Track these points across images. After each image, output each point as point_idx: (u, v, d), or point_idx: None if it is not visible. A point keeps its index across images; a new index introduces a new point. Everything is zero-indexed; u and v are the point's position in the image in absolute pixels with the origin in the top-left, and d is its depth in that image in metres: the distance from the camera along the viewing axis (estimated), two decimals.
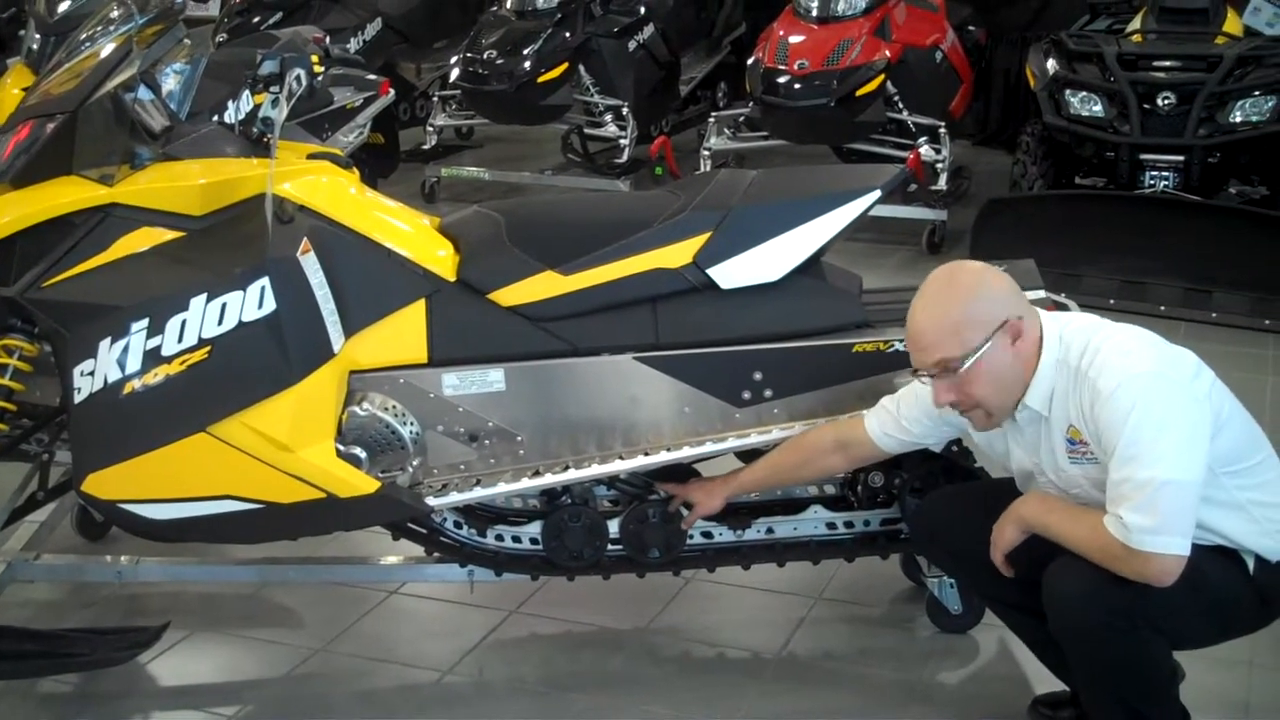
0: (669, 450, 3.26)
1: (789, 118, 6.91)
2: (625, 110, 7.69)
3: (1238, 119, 6.27)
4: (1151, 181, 6.36)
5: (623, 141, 7.67)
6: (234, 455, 2.99)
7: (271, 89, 3.15)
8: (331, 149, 3.43)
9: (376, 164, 7.16)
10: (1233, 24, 6.73)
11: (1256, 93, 6.28)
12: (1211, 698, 3.11)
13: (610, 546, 3.36)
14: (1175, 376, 2.63)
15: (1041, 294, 3.31)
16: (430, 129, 8.14)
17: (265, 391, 2.98)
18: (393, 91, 6.31)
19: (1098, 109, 6.40)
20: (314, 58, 3.22)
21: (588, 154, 7.99)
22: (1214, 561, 2.69)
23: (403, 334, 3.18)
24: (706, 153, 7.41)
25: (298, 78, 3.13)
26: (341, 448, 3.10)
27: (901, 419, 3.05)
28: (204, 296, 2.94)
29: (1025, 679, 3.32)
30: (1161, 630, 2.67)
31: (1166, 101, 6.28)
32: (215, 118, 4.62)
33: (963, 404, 2.77)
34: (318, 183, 3.20)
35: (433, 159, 8.13)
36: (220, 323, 2.94)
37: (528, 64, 7.40)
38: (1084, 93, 6.45)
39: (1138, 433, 2.58)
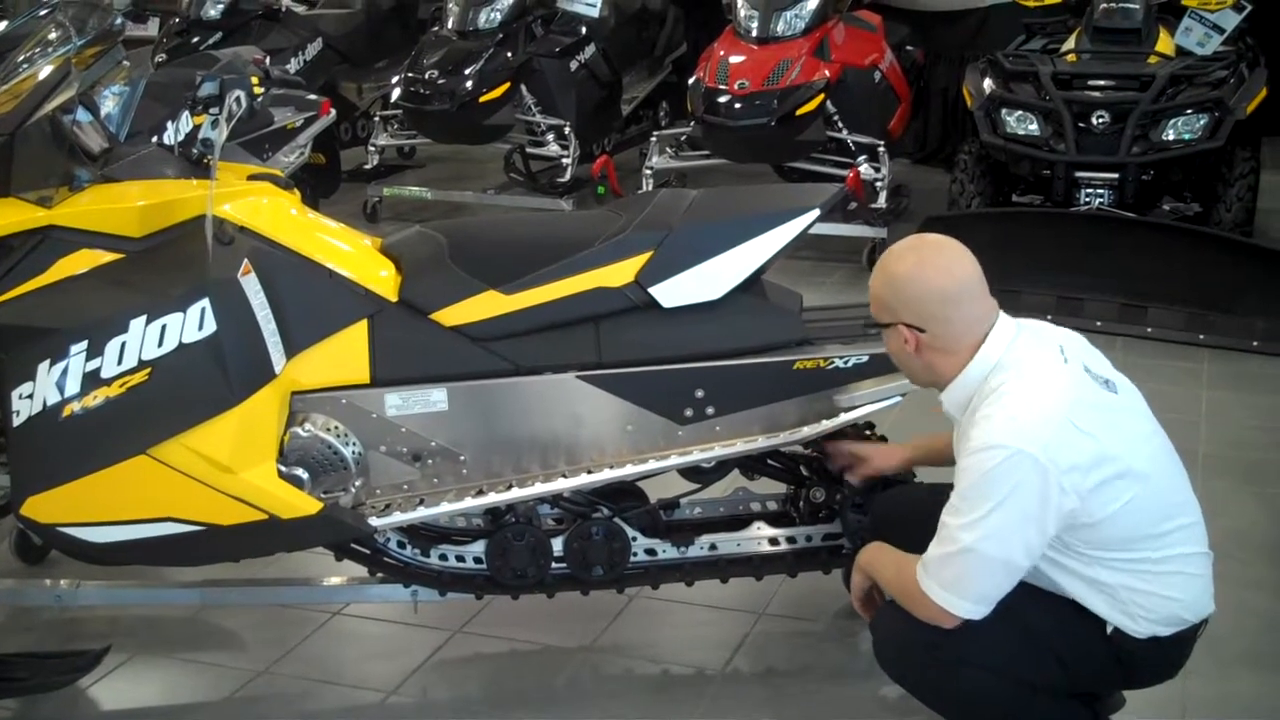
0: (612, 468, 3.28)
1: (730, 137, 6.95)
2: (567, 129, 7.70)
3: (1170, 137, 6.37)
4: (1087, 199, 6.44)
5: (565, 161, 7.69)
6: (175, 477, 2.97)
7: (211, 110, 3.14)
8: (272, 170, 3.43)
9: (318, 184, 7.14)
10: (1165, 44, 6.83)
11: (1188, 111, 6.38)
12: (1149, 707, 3.15)
13: (554, 565, 3.37)
14: (1044, 461, 2.51)
15: None
16: (372, 149, 8.11)
17: (206, 413, 2.97)
18: (334, 112, 6.30)
19: (1033, 128, 6.48)
20: (254, 79, 3.23)
21: (530, 173, 8.00)
22: (1059, 615, 2.70)
23: (345, 354, 3.19)
24: (649, 171, 7.44)
25: (237, 99, 3.12)
26: (283, 468, 3.10)
27: None
28: (144, 318, 2.93)
29: None
30: (992, 668, 2.66)
31: (1101, 120, 6.37)
32: (155, 139, 4.63)
33: None
34: (258, 204, 3.20)
35: (374, 179, 8.10)
36: (160, 344, 2.94)
37: (469, 84, 7.40)
38: (1020, 112, 6.52)
39: (972, 494, 2.57)
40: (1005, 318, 2.74)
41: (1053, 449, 2.53)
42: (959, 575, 2.59)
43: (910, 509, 3.14)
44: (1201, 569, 2.75)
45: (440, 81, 7.41)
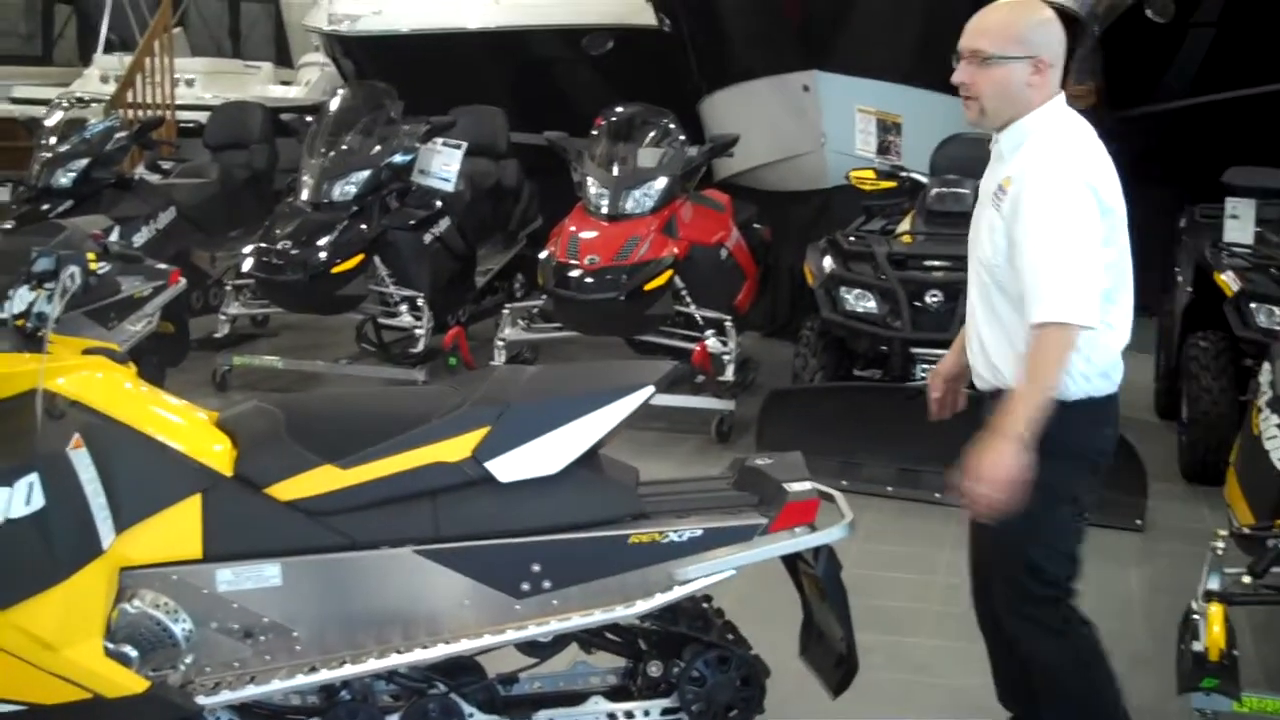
0: (448, 643, 3.27)
1: (581, 311, 7.07)
2: (420, 301, 7.76)
3: None
4: (922, 373, 6.64)
5: (418, 331, 7.73)
6: None
7: (46, 285, 3.15)
8: (108, 344, 3.42)
9: (166, 353, 7.09)
10: None
11: None
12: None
13: None
14: (1089, 182, 3.12)
15: (809, 485, 3.46)
16: (223, 317, 8.07)
17: (30, 590, 2.93)
18: (183, 281, 6.31)
19: (871, 305, 6.69)
20: (90, 255, 3.22)
21: (383, 343, 8.03)
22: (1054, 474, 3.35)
23: (176, 529, 3.17)
24: (501, 343, 7.53)
25: (71, 275, 3.13)
26: (111, 646, 3.05)
27: None
28: None
29: None
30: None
31: (934, 298, 6.61)
32: None
33: (969, 90, 3.26)
34: (91, 378, 3.20)
35: (225, 347, 8.06)
36: None
37: (323, 254, 7.45)
38: (858, 290, 6.74)
39: (1053, 222, 3.10)
40: None
41: (1093, 176, 3.18)
42: (1078, 288, 3.10)
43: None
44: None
45: (293, 252, 7.44)
